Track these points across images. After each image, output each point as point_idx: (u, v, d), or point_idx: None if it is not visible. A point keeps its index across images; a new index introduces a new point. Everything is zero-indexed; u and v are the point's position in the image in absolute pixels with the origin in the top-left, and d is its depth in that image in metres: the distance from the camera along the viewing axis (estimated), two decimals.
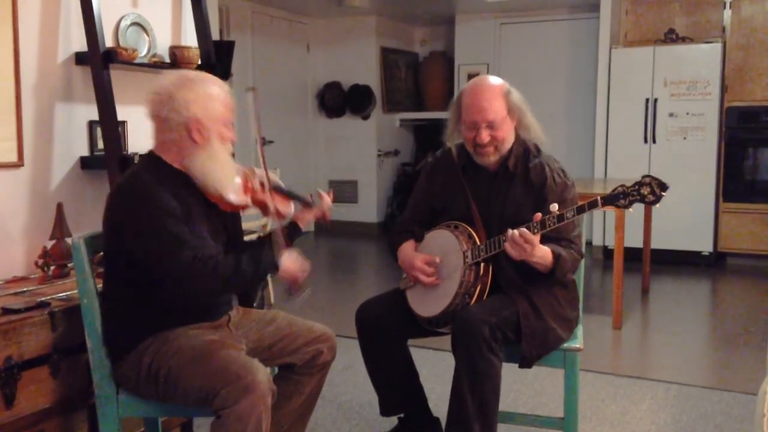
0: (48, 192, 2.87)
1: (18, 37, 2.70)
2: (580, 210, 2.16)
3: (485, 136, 2.33)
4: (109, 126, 2.90)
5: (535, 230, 2.16)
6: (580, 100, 7.27)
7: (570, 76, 7.41)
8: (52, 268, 2.58)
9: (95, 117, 2.98)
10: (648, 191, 2.12)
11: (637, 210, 2.19)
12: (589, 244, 6.56)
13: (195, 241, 1.95)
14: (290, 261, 2.08)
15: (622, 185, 2.17)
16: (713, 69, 6.01)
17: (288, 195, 2.26)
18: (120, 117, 2.99)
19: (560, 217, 2.15)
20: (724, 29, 6.15)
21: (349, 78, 8.03)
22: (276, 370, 2.28)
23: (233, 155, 2.19)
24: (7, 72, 2.67)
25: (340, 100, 8.06)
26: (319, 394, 2.33)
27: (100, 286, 2.11)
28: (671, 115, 6.18)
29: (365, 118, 8.07)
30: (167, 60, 3.32)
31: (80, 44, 2.96)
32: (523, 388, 3.32)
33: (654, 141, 6.26)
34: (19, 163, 2.74)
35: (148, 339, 2.01)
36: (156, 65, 3.25)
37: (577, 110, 7.32)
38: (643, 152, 6.28)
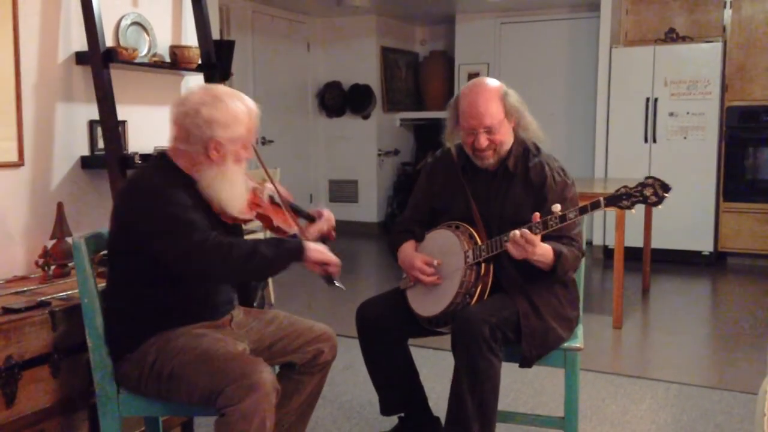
0: (48, 191, 2.87)
1: (18, 37, 2.70)
2: (583, 210, 2.16)
3: (483, 140, 2.33)
4: (110, 125, 2.90)
5: (537, 230, 2.16)
6: (580, 99, 7.26)
7: (570, 75, 7.41)
8: (53, 267, 2.58)
9: (95, 116, 2.98)
10: (651, 192, 2.12)
11: (637, 210, 2.19)
12: (589, 243, 6.56)
13: (206, 231, 1.95)
14: (318, 250, 2.05)
15: (624, 186, 2.17)
16: (713, 68, 6.01)
17: (295, 212, 2.28)
18: (120, 116, 3.00)
19: (563, 218, 2.16)
20: (724, 29, 6.15)
21: (350, 77, 8.03)
22: (277, 369, 2.28)
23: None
24: (8, 71, 2.67)
25: (341, 100, 8.06)
26: (319, 394, 2.33)
27: (100, 285, 2.11)
28: (671, 114, 6.18)
29: (365, 117, 8.07)
30: (167, 59, 3.32)
31: (80, 44, 2.96)
32: (524, 387, 3.32)
33: (654, 140, 6.26)
34: (20, 163, 2.74)
35: (151, 338, 2.02)
36: (156, 65, 3.26)
37: (577, 110, 7.32)
38: (643, 152, 6.28)
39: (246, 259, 1.93)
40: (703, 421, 2.96)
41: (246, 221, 2.19)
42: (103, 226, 2.33)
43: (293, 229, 2.22)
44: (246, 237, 2.34)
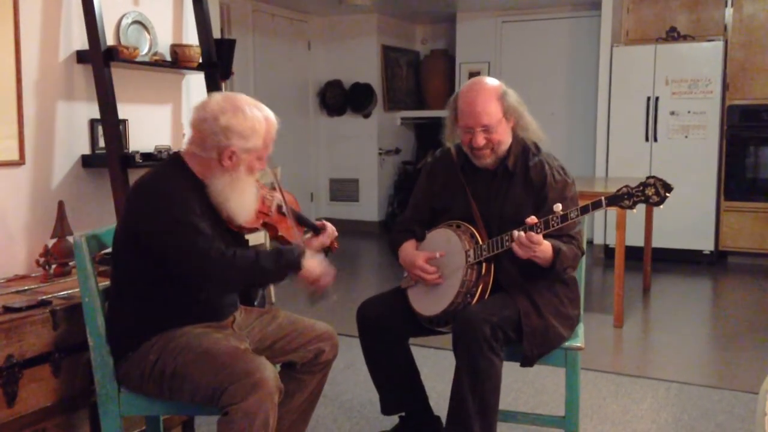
0: (49, 190, 2.87)
1: (19, 36, 2.70)
2: (584, 210, 2.16)
3: (481, 139, 2.33)
4: (111, 124, 2.90)
5: (539, 230, 2.16)
6: (581, 98, 7.26)
7: (571, 74, 7.41)
8: (54, 266, 2.58)
9: (96, 115, 2.98)
10: (652, 192, 2.12)
11: (638, 209, 2.19)
12: (590, 242, 6.56)
13: (212, 238, 1.95)
14: (314, 263, 2.07)
15: (626, 186, 2.17)
16: (715, 67, 6.01)
17: (301, 222, 2.30)
18: (121, 115, 3.00)
19: (564, 217, 2.16)
20: (725, 27, 6.14)
21: (350, 76, 8.03)
22: (278, 368, 2.28)
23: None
24: (9, 70, 2.67)
25: (341, 99, 8.06)
26: (320, 393, 2.33)
27: (101, 284, 2.11)
28: (672, 113, 6.17)
29: (366, 116, 8.07)
30: (168, 58, 3.33)
31: (81, 42, 2.96)
32: (524, 386, 3.32)
33: (655, 139, 6.25)
34: (21, 162, 2.74)
35: (153, 337, 2.02)
36: (157, 64, 3.26)
37: (578, 108, 7.31)
38: (644, 151, 6.28)
39: (247, 270, 1.96)
40: (704, 420, 2.96)
41: (252, 230, 2.20)
42: (104, 225, 2.33)
43: (297, 241, 2.25)
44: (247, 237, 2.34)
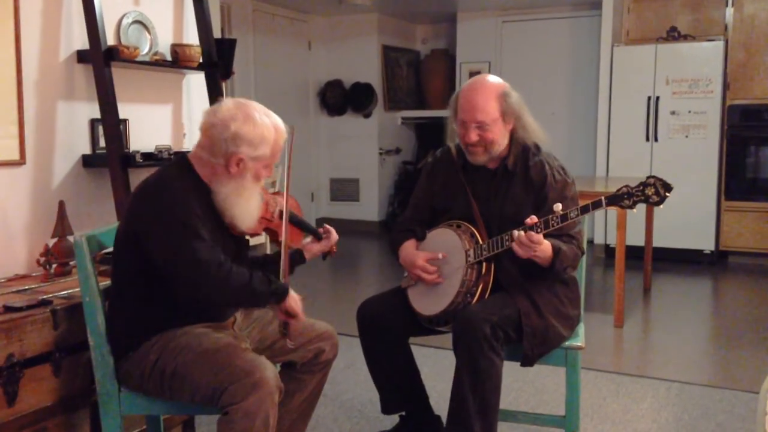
0: (50, 190, 2.87)
1: (20, 35, 2.70)
2: (584, 210, 2.16)
3: (473, 135, 2.33)
4: (111, 124, 2.90)
5: (539, 230, 2.16)
6: (581, 98, 7.26)
7: (572, 74, 7.41)
8: (54, 266, 2.58)
9: (97, 115, 2.98)
10: (652, 192, 2.12)
11: (639, 208, 2.19)
12: (590, 242, 6.56)
13: (211, 247, 1.95)
14: (295, 300, 2.07)
15: (626, 185, 2.17)
16: (715, 67, 6.01)
17: (302, 228, 2.31)
18: (121, 115, 3.00)
19: (564, 217, 2.16)
20: (726, 27, 6.14)
21: (351, 76, 8.03)
22: (278, 368, 2.28)
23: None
24: (9, 70, 2.67)
25: (342, 98, 8.06)
26: (320, 392, 2.34)
27: (102, 284, 2.11)
28: (673, 113, 6.17)
29: (367, 116, 8.07)
30: (169, 58, 3.33)
31: (82, 42, 2.96)
32: (525, 386, 3.32)
33: (656, 139, 6.25)
34: (21, 161, 2.74)
35: (154, 337, 2.02)
36: (157, 63, 3.26)
37: (578, 108, 7.31)
38: (644, 150, 6.28)
39: (239, 290, 1.95)
40: (705, 419, 2.96)
41: (253, 235, 2.20)
42: (105, 225, 2.33)
43: (296, 246, 2.26)
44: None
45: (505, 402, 2.82)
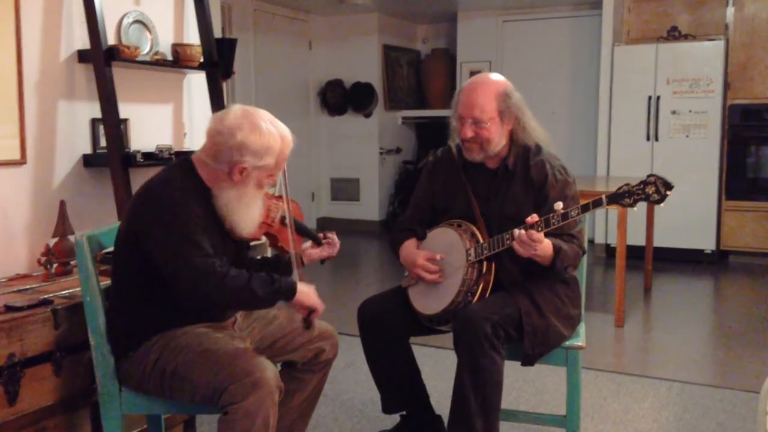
0: (51, 190, 2.87)
1: (20, 35, 2.70)
2: (585, 209, 2.16)
3: (469, 131, 2.33)
4: (112, 124, 2.90)
5: (539, 229, 2.16)
6: (582, 97, 7.26)
7: (572, 73, 7.41)
8: (55, 265, 2.58)
9: (98, 115, 2.98)
10: (653, 190, 2.12)
11: (639, 208, 2.19)
12: (591, 242, 6.56)
13: (206, 254, 1.94)
14: (306, 293, 2.07)
15: (626, 184, 2.17)
16: (716, 66, 6.00)
17: (303, 233, 2.31)
18: (122, 115, 3.00)
19: (564, 216, 2.16)
20: (726, 27, 6.14)
21: (351, 76, 8.03)
22: (278, 367, 2.28)
23: None
24: (10, 70, 2.67)
25: (342, 98, 8.06)
26: (321, 392, 2.33)
27: (103, 283, 2.11)
28: (674, 112, 6.17)
29: (367, 115, 8.07)
30: (169, 58, 3.33)
31: (83, 42, 2.96)
32: (525, 386, 3.32)
33: (656, 139, 6.25)
34: (22, 161, 2.75)
35: (154, 337, 2.02)
36: (158, 63, 3.26)
37: (579, 108, 7.31)
38: (645, 150, 6.27)
39: (237, 292, 1.95)
40: (705, 419, 2.96)
41: (253, 240, 2.20)
42: (106, 225, 2.33)
43: (296, 251, 2.26)
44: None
45: (506, 401, 2.81)
